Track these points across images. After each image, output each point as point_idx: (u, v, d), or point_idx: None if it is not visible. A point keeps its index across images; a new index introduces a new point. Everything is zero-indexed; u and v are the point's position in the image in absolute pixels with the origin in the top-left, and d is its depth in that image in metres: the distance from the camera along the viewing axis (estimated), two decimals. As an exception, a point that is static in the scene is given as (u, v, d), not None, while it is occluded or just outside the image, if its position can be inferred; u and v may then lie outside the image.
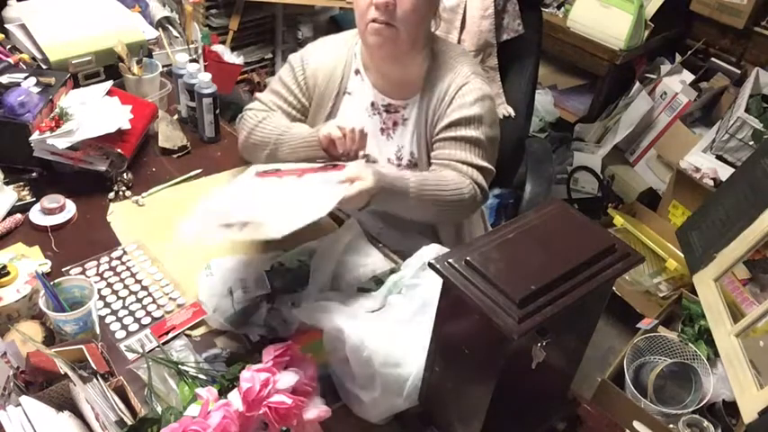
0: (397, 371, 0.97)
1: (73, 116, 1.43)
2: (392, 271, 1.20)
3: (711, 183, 2.37)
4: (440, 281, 0.87)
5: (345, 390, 1.02)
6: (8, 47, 1.69)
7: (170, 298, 1.21)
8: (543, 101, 2.90)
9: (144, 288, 1.23)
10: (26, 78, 1.49)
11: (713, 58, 2.88)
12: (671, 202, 2.54)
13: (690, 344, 1.98)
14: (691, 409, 1.87)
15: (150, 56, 1.78)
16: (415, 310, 1.03)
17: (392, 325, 1.02)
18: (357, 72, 1.39)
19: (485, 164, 1.32)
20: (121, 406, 0.93)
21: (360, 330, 0.96)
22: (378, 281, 1.20)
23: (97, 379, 0.93)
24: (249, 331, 1.13)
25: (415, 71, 1.35)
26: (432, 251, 1.15)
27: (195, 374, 1.04)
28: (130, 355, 1.09)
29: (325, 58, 1.39)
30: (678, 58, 2.90)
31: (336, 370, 1.03)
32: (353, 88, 1.39)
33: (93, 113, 1.46)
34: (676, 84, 2.79)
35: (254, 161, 1.37)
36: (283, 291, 1.20)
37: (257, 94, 1.46)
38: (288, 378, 0.92)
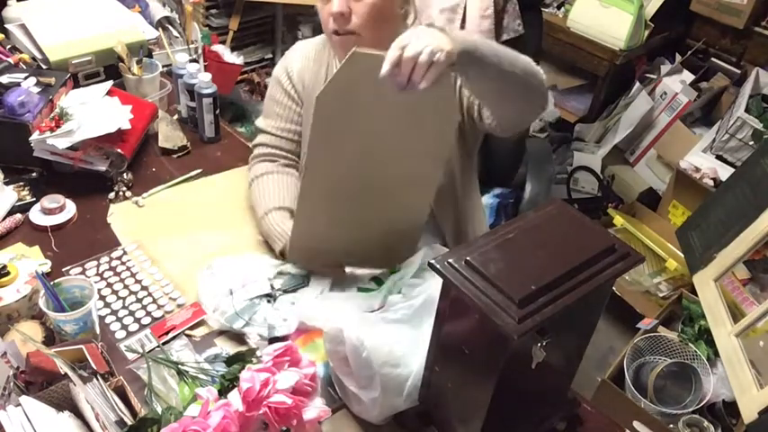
0: (396, 371, 0.96)
1: (73, 116, 1.43)
2: (392, 271, 1.20)
3: (711, 183, 2.37)
4: (440, 281, 0.87)
5: (345, 390, 1.02)
6: (8, 47, 1.68)
7: (170, 298, 1.21)
8: (543, 101, 2.90)
9: (144, 288, 1.23)
10: (26, 78, 1.49)
11: (713, 58, 2.87)
12: (671, 202, 2.54)
13: (690, 344, 1.98)
14: (691, 409, 1.87)
15: (150, 56, 1.78)
16: (414, 309, 1.03)
17: (392, 325, 1.01)
18: None
19: None
20: (121, 406, 0.93)
21: (360, 330, 0.96)
22: (378, 281, 1.20)
23: (97, 379, 0.93)
24: (249, 331, 1.13)
25: None
26: (431, 251, 1.15)
27: (195, 374, 1.04)
28: (130, 355, 1.09)
29: (306, 59, 1.40)
30: (678, 58, 2.90)
31: (336, 370, 1.03)
32: None
33: (93, 113, 1.46)
34: (676, 84, 2.79)
35: None
36: (283, 291, 1.20)
37: (258, 123, 1.46)
38: (288, 378, 0.92)
